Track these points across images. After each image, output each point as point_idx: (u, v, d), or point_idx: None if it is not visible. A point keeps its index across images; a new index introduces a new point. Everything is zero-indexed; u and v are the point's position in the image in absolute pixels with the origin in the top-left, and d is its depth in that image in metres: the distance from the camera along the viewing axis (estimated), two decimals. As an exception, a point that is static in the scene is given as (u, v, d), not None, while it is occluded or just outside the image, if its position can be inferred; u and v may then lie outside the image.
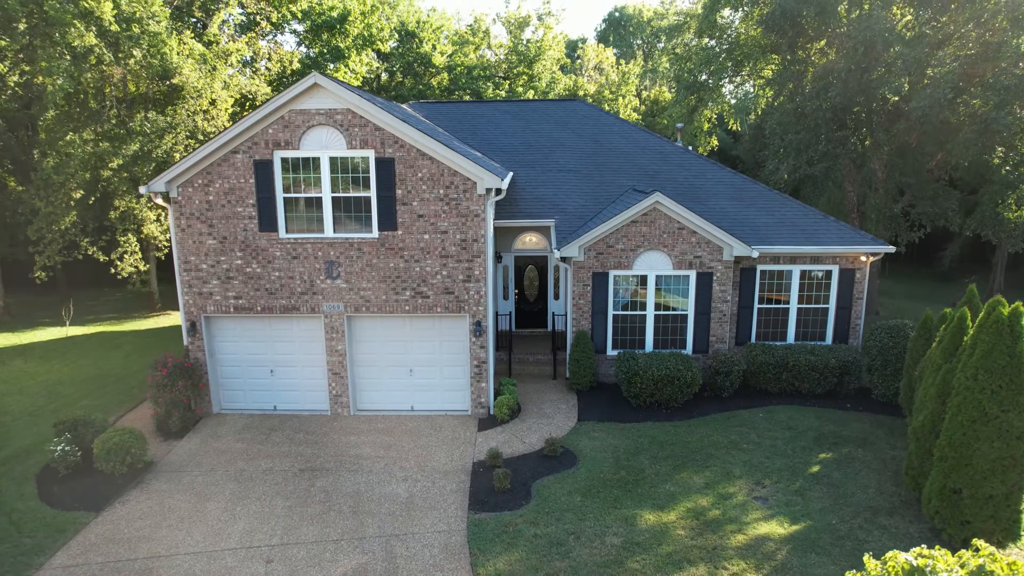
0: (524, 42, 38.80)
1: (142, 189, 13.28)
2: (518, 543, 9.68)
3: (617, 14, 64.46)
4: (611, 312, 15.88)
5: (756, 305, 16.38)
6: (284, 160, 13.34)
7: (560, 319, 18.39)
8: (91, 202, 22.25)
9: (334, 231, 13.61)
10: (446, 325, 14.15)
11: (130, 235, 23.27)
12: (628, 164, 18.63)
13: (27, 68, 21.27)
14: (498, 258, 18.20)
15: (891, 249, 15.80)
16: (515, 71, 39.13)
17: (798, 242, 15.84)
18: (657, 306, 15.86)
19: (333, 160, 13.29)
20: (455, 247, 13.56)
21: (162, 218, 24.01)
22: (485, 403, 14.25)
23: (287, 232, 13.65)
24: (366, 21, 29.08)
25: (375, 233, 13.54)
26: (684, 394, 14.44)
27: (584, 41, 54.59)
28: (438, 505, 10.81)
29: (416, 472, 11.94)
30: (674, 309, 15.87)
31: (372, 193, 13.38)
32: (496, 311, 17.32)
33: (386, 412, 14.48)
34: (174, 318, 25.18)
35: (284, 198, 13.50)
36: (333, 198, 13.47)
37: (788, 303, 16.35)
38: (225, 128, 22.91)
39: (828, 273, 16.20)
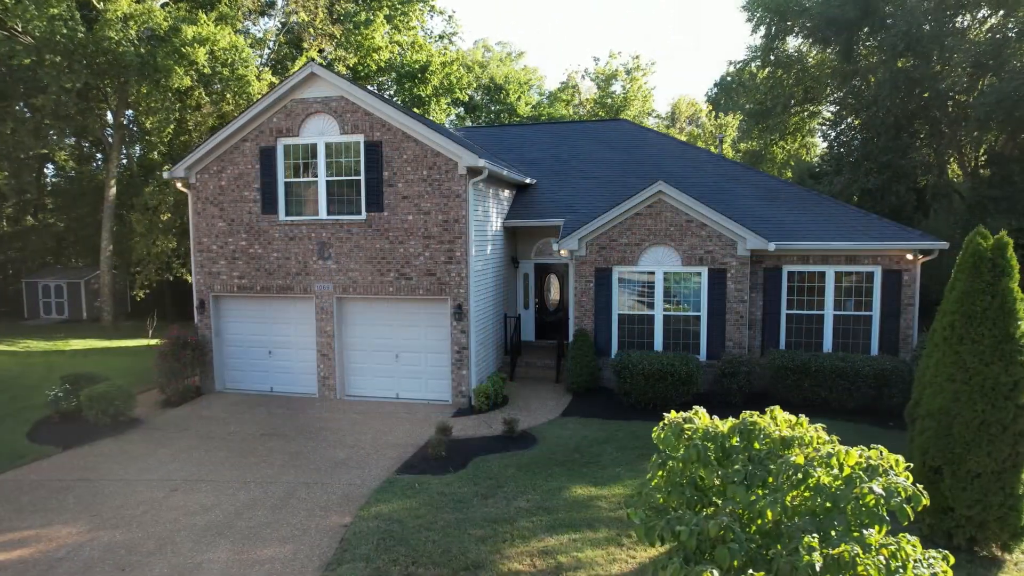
0: (610, 93, 39.38)
1: (165, 174, 14.68)
2: (417, 496, 8.99)
3: (728, 78, 63.60)
4: (615, 312, 14.92)
5: (784, 311, 14.68)
6: (286, 147, 14.24)
7: (579, 329, 17.52)
8: (178, 225, 24.90)
9: (327, 213, 14.15)
10: (429, 309, 13.98)
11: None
12: (656, 171, 17.86)
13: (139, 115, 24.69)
14: (514, 263, 17.90)
15: (944, 245, 13.67)
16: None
17: (828, 238, 14.18)
18: (666, 306, 14.69)
19: (328, 146, 13.99)
20: (437, 228, 13.56)
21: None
22: (466, 392, 13.70)
23: (286, 215, 14.39)
24: (445, 71, 31.04)
25: (363, 215, 13.90)
26: (681, 393, 13.03)
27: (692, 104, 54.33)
28: (366, 466, 10.38)
29: (367, 443, 11.59)
30: (685, 309, 14.62)
31: (361, 176, 13.84)
32: (506, 314, 16.87)
33: (372, 398, 14.34)
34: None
35: (285, 182, 14.32)
36: (327, 181, 14.08)
37: (823, 309, 14.50)
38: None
39: (869, 275, 14.25)
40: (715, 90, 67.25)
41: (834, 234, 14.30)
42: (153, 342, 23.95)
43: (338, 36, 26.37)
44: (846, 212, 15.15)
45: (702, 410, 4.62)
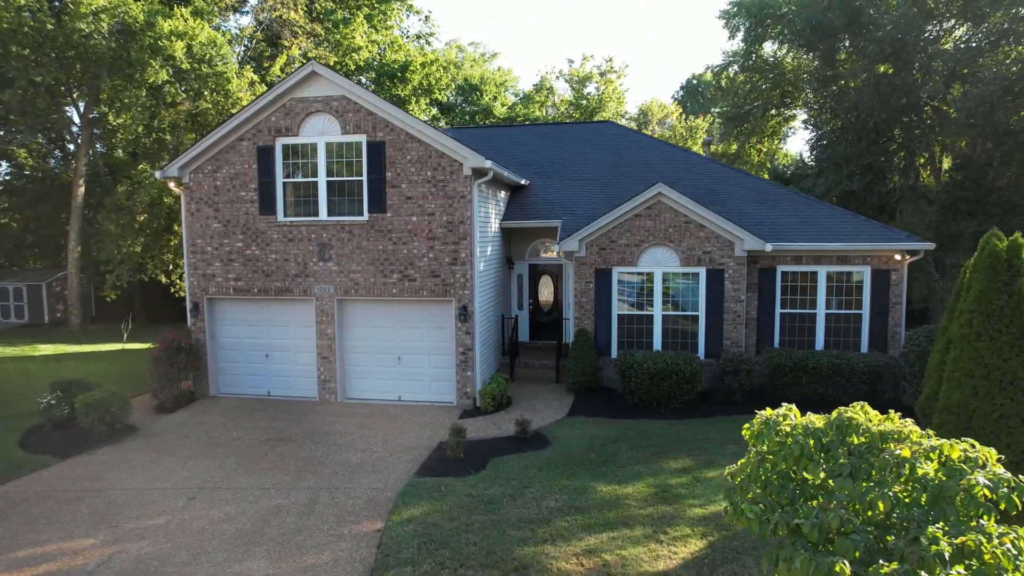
0: (584, 95, 39.70)
1: (157, 174, 14.27)
2: (447, 499, 8.96)
3: (695, 81, 64.85)
4: (615, 312, 15.09)
5: (778, 310, 15.08)
6: (285, 146, 13.97)
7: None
8: (155, 226, 24.16)
9: (328, 214, 13.94)
10: (433, 311, 13.92)
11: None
12: (650, 173, 18.14)
13: (105, 110, 23.88)
14: (509, 264, 17.93)
15: (930, 246, 14.25)
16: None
17: (821, 239, 14.62)
18: (665, 306, 14.94)
19: (329, 145, 13.79)
20: (441, 229, 13.50)
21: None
22: (471, 393, 13.68)
23: (285, 216, 14.12)
24: (425, 71, 30.84)
25: (365, 216, 13.75)
26: (684, 391, 13.27)
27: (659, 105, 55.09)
28: (384, 470, 10.28)
29: (379, 446, 11.48)
30: (684, 309, 14.88)
31: (364, 176, 13.69)
32: (503, 314, 16.89)
33: (374, 401, 14.19)
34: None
35: (283, 183, 14.05)
36: (328, 182, 13.88)
37: (815, 308, 14.94)
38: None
39: (859, 275, 14.75)
40: (681, 93, 68.43)
41: (826, 235, 14.75)
42: (130, 346, 23.24)
43: (321, 34, 25.95)
44: (836, 214, 15.65)
45: (794, 407, 4.77)
